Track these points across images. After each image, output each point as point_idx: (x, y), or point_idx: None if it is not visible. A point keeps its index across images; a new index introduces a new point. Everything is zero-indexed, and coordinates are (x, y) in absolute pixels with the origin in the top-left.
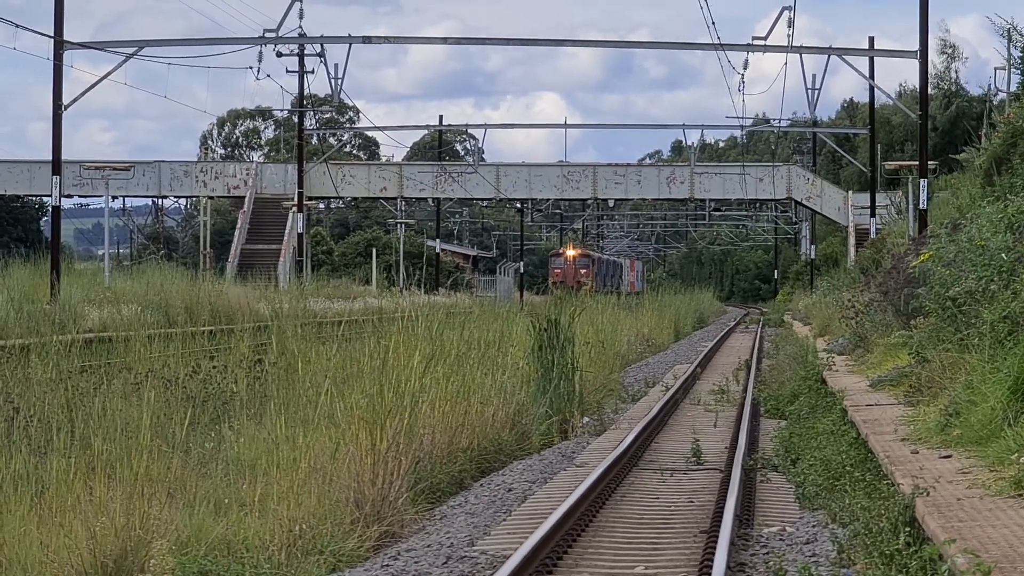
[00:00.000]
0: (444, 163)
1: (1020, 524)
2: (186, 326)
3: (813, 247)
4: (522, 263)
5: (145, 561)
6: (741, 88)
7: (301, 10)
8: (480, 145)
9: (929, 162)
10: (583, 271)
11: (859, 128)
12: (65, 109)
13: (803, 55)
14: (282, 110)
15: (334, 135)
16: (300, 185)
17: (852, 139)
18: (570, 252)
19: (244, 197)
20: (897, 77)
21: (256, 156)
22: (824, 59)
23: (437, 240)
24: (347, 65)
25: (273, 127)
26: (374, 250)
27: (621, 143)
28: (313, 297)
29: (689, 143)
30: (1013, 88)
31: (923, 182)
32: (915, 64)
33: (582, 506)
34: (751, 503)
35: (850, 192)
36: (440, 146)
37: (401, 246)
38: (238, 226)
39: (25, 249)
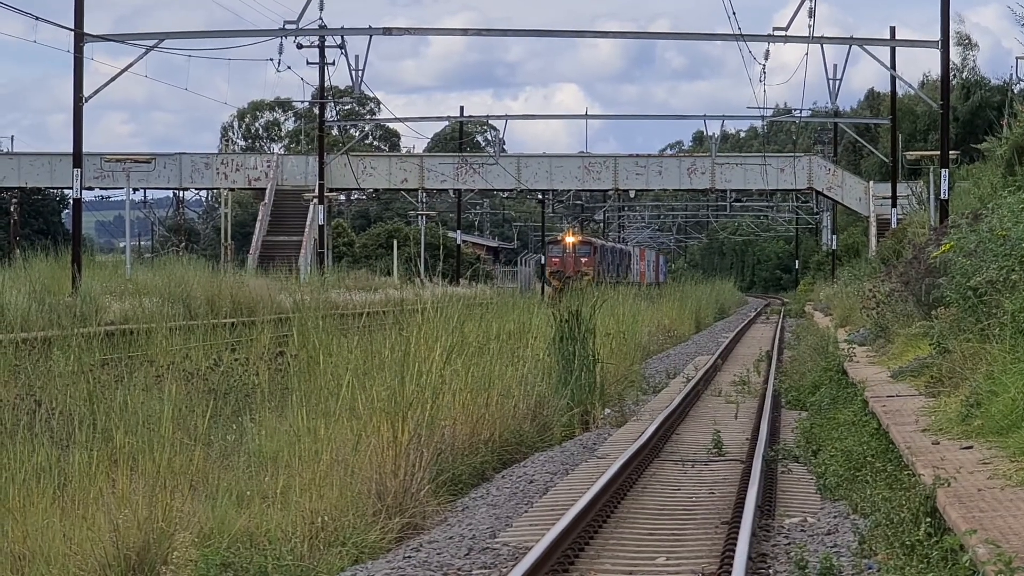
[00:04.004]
0: (465, 154)
1: None
2: (207, 318)
3: (834, 237)
4: (543, 254)
5: (168, 553)
6: (762, 78)
7: (321, 1)
8: (501, 136)
9: (950, 152)
10: (584, 260)
11: (881, 118)
12: (86, 101)
13: (824, 45)
14: (303, 102)
15: (355, 127)
16: (321, 177)
17: (873, 129)
18: (569, 239)
19: (265, 189)
20: (919, 66)
21: (277, 148)
22: (845, 49)
23: (458, 231)
24: (367, 56)
25: (293, 119)
26: (395, 242)
27: (641, 134)
28: (334, 289)
29: (710, 134)
30: None
31: (944, 172)
32: (937, 54)
33: (604, 497)
34: (772, 494)
35: (871, 182)
36: (461, 137)
37: (422, 237)
38: (259, 218)
39: (46, 241)
